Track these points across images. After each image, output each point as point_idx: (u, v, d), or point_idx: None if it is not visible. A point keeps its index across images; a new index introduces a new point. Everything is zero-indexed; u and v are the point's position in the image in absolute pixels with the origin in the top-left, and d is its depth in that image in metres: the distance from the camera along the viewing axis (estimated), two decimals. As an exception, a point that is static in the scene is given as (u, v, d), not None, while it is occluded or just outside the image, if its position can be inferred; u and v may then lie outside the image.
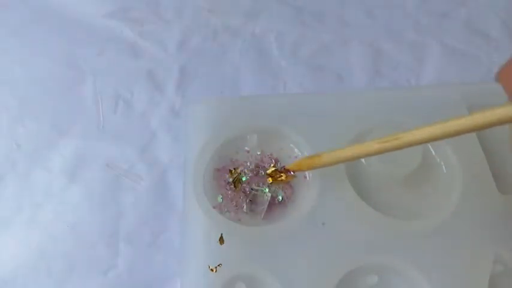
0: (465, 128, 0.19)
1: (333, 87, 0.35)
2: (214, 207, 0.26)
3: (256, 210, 0.27)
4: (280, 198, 0.27)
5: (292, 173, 0.27)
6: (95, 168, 0.31)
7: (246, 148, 0.28)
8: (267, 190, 0.27)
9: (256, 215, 0.26)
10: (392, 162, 0.27)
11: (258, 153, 0.28)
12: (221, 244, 0.25)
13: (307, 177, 0.27)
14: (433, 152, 0.28)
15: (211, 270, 0.25)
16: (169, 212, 0.30)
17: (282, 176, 0.27)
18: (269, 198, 0.27)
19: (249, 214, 0.26)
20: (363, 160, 0.28)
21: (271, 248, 0.25)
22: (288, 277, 0.24)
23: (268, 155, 0.28)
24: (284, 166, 0.27)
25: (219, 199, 0.27)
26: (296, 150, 0.28)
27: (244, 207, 0.26)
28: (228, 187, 0.27)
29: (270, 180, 0.27)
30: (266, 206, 0.26)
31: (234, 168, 0.28)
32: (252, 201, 0.27)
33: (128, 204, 0.30)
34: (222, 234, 0.25)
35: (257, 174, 0.27)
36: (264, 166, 0.28)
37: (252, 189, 0.27)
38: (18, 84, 0.35)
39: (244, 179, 0.27)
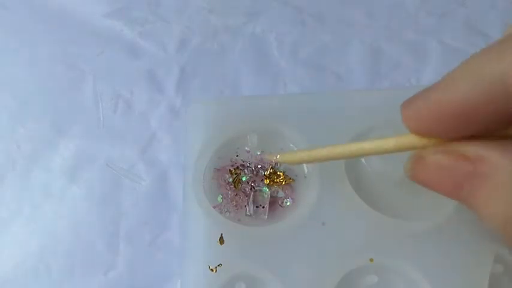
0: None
1: (332, 87, 0.35)
2: (214, 207, 0.26)
3: (259, 211, 0.27)
4: (288, 203, 0.27)
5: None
6: (95, 168, 0.31)
7: (246, 148, 0.28)
8: (267, 190, 0.27)
9: (260, 215, 0.26)
10: (393, 162, 0.27)
11: (258, 153, 0.28)
12: (221, 244, 0.25)
13: (307, 177, 0.27)
14: (433, 152, 0.28)
15: (211, 270, 0.25)
16: (169, 212, 0.30)
17: (280, 177, 0.27)
18: (269, 197, 0.27)
19: (252, 216, 0.26)
20: (363, 160, 0.28)
21: (271, 248, 0.25)
22: (288, 277, 0.24)
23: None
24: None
25: (219, 199, 0.27)
26: (296, 150, 0.28)
27: (247, 209, 0.26)
28: (228, 187, 0.27)
29: (266, 181, 0.27)
30: (267, 205, 0.26)
31: (234, 168, 0.28)
32: (254, 202, 0.27)
33: (128, 204, 0.30)
34: (222, 234, 0.25)
35: (257, 174, 0.28)
36: (264, 166, 0.28)
37: (252, 187, 0.27)
38: (18, 84, 0.35)
39: (244, 179, 0.27)
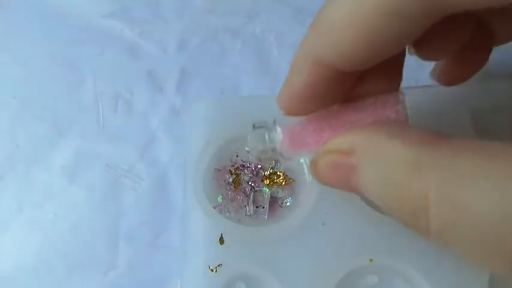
0: None
1: (333, 87, 0.34)
2: (214, 207, 0.26)
3: (259, 211, 0.27)
4: (288, 203, 0.27)
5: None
6: (95, 168, 0.31)
7: (246, 148, 0.28)
8: (267, 190, 0.27)
9: (260, 215, 0.26)
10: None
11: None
12: (221, 244, 0.25)
13: (308, 178, 0.27)
14: (433, 152, 0.28)
15: (211, 270, 0.25)
16: (169, 212, 0.30)
17: (280, 178, 0.27)
18: (269, 198, 0.27)
19: (253, 216, 0.26)
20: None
21: (271, 248, 0.25)
22: (288, 277, 0.24)
23: (268, 155, 0.28)
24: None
25: (219, 199, 0.27)
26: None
27: (247, 209, 0.26)
28: (228, 187, 0.27)
29: (267, 181, 0.27)
30: (267, 205, 0.26)
31: (234, 169, 0.28)
32: (254, 202, 0.27)
33: (128, 204, 0.30)
34: (222, 234, 0.25)
35: (257, 174, 0.28)
36: (264, 166, 0.28)
37: (252, 187, 0.27)
38: (18, 84, 0.35)
39: (244, 179, 0.27)
